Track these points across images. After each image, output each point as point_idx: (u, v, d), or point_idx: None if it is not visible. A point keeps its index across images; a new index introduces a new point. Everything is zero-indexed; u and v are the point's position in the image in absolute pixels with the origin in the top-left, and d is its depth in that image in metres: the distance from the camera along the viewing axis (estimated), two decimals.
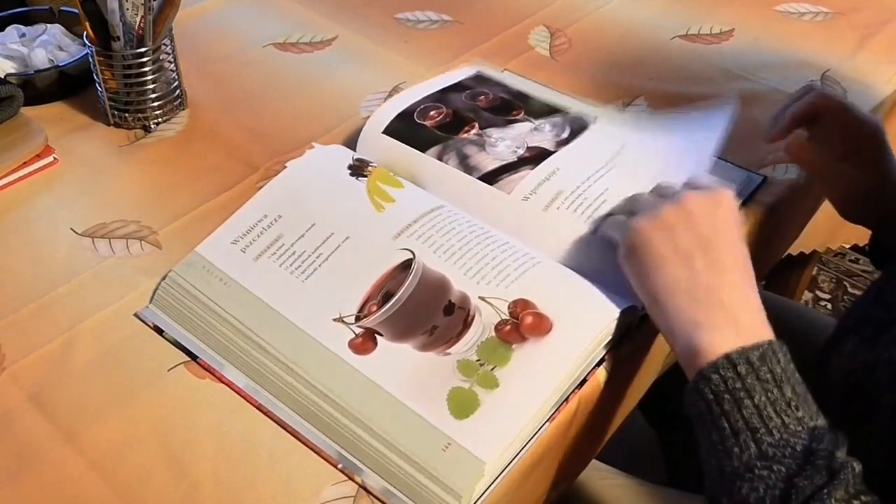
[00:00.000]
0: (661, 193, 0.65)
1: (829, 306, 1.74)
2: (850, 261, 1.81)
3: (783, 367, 0.53)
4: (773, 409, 0.52)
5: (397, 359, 0.61)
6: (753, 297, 0.58)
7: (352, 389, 0.60)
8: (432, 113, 0.79)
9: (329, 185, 0.74)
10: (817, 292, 1.77)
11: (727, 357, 0.53)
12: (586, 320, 0.62)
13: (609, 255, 0.64)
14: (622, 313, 0.63)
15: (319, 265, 0.67)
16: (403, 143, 0.76)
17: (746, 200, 0.74)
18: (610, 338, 0.63)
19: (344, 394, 0.60)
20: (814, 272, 1.75)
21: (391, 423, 0.58)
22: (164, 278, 0.68)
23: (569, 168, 0.72)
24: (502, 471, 0.57)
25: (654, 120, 0.84)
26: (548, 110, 0.80)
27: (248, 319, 0.64)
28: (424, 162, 0.74)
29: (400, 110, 0.79)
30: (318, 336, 0.63)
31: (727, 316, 0.56)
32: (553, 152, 0.74)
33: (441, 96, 0.81)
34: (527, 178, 0.71)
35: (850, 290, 1.78)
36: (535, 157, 0.74)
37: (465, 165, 0.73)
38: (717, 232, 0.59)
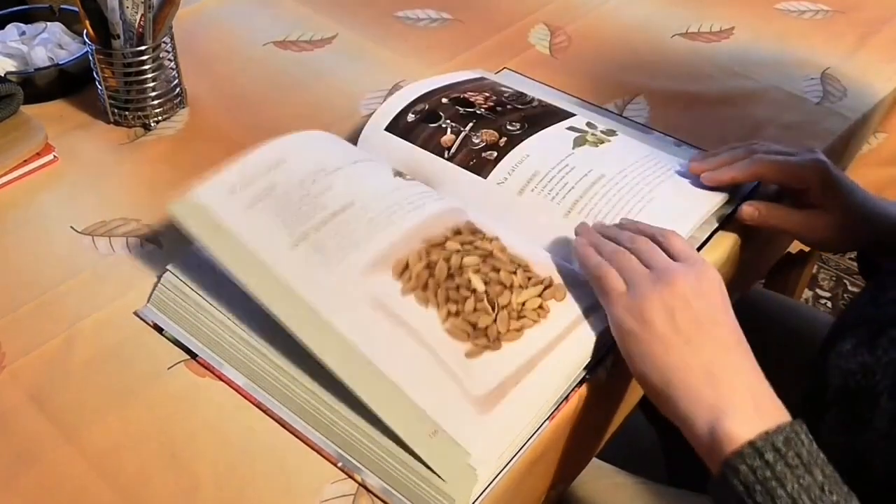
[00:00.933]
0: (638, 250, 0.61)
1: (829, 304, 1.74)
2: (850, 258, 1.81)
3: (808, 450, 0.52)
4: (807, 497, 0.50)
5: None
6: (761, 375, 0.57)
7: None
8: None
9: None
10: (817, 290, 1.77)
11: (752, 445, 0.52)
12: (586, 322, 0.62)
13: None
14: None
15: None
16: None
17: (746, 199, 0.74)
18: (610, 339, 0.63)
19: (340, 388, 0.58)
20: (814, 270, 1.75)
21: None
22: (160, 278, 0.68)
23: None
24: (500, 471, 0.57)
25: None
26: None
27: (243, 319, 0.63)
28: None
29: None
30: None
31: (745, 398, 0.55)
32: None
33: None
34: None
35: (850, 287, 1.78)
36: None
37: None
38: (712, 308, 0.58)
